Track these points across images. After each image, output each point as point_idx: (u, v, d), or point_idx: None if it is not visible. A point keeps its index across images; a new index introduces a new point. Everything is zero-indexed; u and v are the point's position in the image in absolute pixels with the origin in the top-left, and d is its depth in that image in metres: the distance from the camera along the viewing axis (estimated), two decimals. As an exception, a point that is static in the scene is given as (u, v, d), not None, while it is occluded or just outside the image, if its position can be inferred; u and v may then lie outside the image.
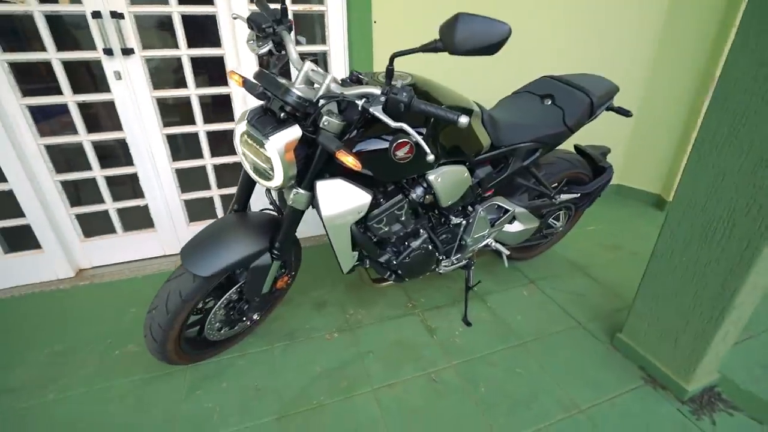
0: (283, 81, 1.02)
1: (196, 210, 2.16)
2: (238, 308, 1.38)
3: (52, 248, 1.91)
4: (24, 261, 1.90)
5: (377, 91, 0.98)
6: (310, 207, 1.19)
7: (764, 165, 1.02)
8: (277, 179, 1.04)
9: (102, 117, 1.89)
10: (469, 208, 1.55)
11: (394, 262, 1.39)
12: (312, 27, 2.11)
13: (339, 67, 2.02)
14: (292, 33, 1.16)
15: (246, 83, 1.07)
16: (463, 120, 0.92)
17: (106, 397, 1.35)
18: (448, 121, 0.94)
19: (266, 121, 1.01)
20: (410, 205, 1.31)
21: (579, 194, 1.78)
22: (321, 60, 2.05)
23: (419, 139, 0.97)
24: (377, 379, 1.43)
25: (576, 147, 1.87)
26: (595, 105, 1.54)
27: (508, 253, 1.69)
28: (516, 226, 1.71)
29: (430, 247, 1.45)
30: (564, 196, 1.73)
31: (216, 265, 1.13)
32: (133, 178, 1.97)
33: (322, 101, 1.02)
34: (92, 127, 1.83)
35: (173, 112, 2.11)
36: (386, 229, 1.30)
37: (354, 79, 1.14)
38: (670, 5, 2.44)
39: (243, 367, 1.48)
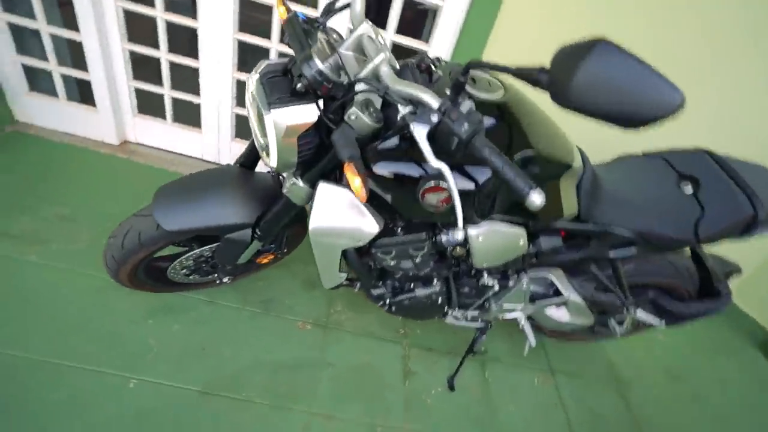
0: (318, 42, 0.74)
1: (245, 130, 2.03)
2: (210, 263, 1.24)
3: (106, 111, 1.91)
4: (78, 113, 1.93)
5: (434, 103, 0.66)
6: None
7: None
8: (272, 161, 0.80)
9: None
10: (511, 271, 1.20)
11: (388, 301, 1.13)
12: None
13: (448, 31, 1.62)
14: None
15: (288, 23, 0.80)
16: (536, 200, 0.59)
17: (73, 284, 1.34)
18: (513, 190, 0.62)
19: (280, 84, 0.75)
20: (433, 247, 1.02)
21: (664, 315, 1.33)
22: (430, 17, 1.67)
23: (457, 199, 0.65)
24: (319, 402, 1.26)
25: (693, 251, 1.37)
26: (759, 222, 1.04)
27: (533, 344, 1.33)
28: (561, 314, 1.33)
29: (440, 300, 1.16)
30: (642, 315, 1.29)
31: (183, 223, 0.96)
32: (196, 74, 1.85)
33: (359, 86, 0.72)
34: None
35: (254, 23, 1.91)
36: (392, 263, 1.03)
37: (423, 68, 0.82)
38: None
39: (204, 316, 1.39)
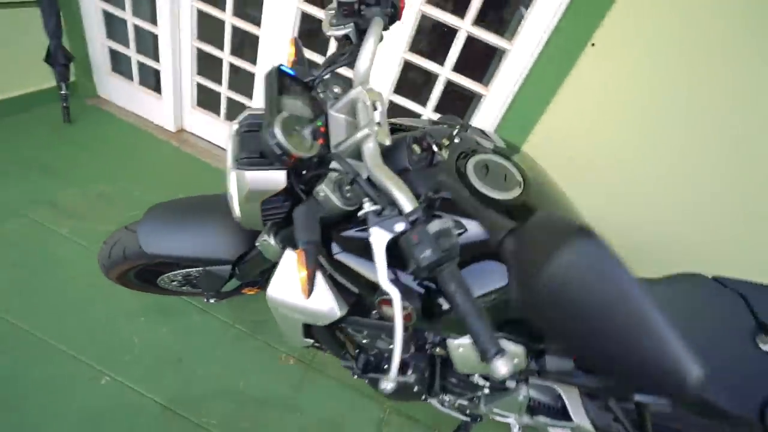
0: (288, 105, 0.64)
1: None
2: (198, 280, 1.22)
3: (168, 99, 2.02)
4: (146, 97, 2.07)
5: (407, 207, 0.54)
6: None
7: None
8: (235, 214, 0.73)
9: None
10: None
11: (356, 376, 1.02)
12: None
13: (511, 77, 1.44)
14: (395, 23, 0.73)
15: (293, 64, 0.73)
16: (500, 369, 0.45)
17: (87, 264, 1.41)
18: (476, 347, 0.48)
19: (254, 142, 0.67)
20: (411, 339, 0.88)
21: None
22: (496, 59, 1.50)
23: (399, 337, 0.52)
24: (273, 453, 1.19)
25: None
26: None
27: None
28: (565, 437, 1.11)
29: (416, 388, 1.02)
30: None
31: (164, 249, 0.94)
32: (252, 77, 1.88)
33: (333, 163, 0.62)
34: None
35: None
36: (365, 341, 0.91)
37: (425, 146, 0.68)
38: None
39: (194, 325, 1.39)
